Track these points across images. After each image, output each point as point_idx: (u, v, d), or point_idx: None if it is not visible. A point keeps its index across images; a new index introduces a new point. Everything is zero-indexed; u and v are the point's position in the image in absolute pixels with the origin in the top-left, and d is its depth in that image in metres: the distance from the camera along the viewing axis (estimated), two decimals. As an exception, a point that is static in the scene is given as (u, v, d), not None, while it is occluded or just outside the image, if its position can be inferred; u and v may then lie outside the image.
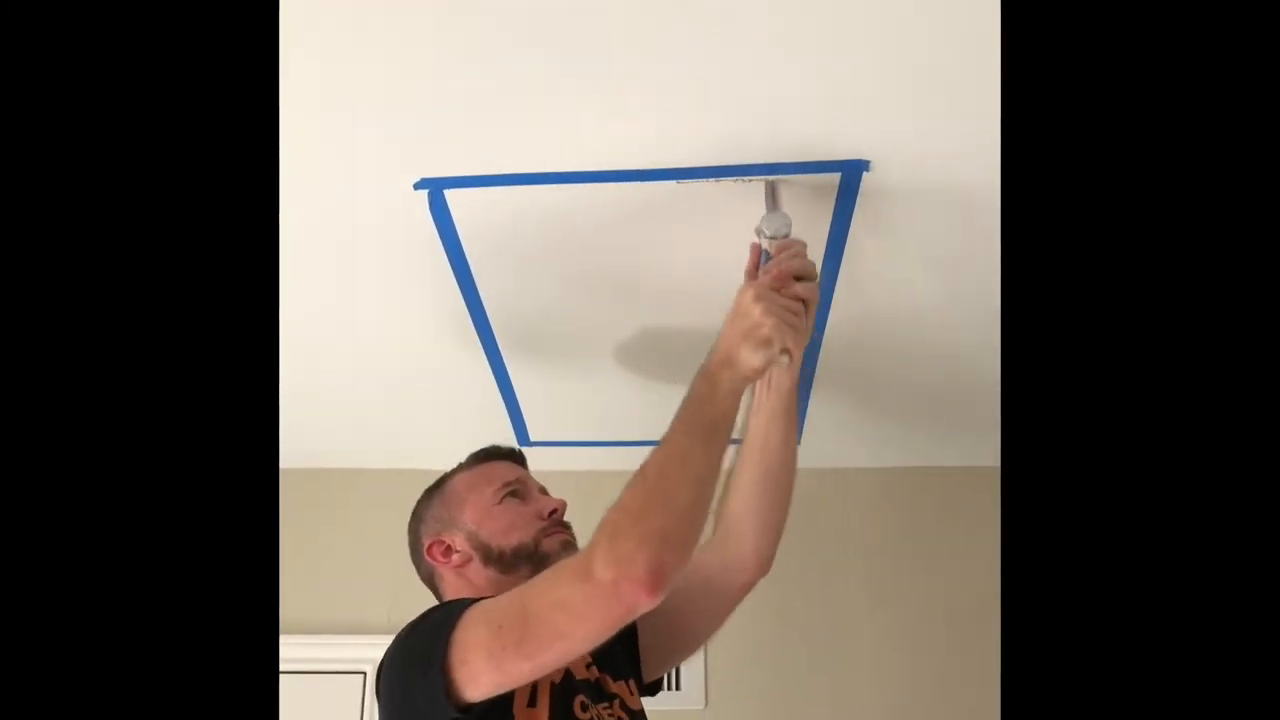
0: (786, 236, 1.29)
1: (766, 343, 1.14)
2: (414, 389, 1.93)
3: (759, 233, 1.31)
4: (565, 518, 1.38)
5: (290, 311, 1.65)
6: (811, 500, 2.28)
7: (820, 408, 2.00)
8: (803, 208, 1.39)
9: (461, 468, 1.41)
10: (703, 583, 1.37)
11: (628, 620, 1.07)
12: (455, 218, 1.42)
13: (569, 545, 1.33)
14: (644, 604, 1.04)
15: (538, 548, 1.31)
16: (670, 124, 1.27)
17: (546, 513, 1.35)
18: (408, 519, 1.42)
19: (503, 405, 1.94)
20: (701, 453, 1.11)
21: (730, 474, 1.39)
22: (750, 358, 1.14)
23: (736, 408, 1.16)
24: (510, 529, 1.32)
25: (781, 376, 1.32)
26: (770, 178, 1.35)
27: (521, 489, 1.37)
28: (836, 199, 1.39)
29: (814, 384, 1.90)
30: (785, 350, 1.16)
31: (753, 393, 1.37)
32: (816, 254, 1.50)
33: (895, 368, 1.86)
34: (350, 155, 1.32)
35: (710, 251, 1.51)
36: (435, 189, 1.36)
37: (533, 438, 2.07)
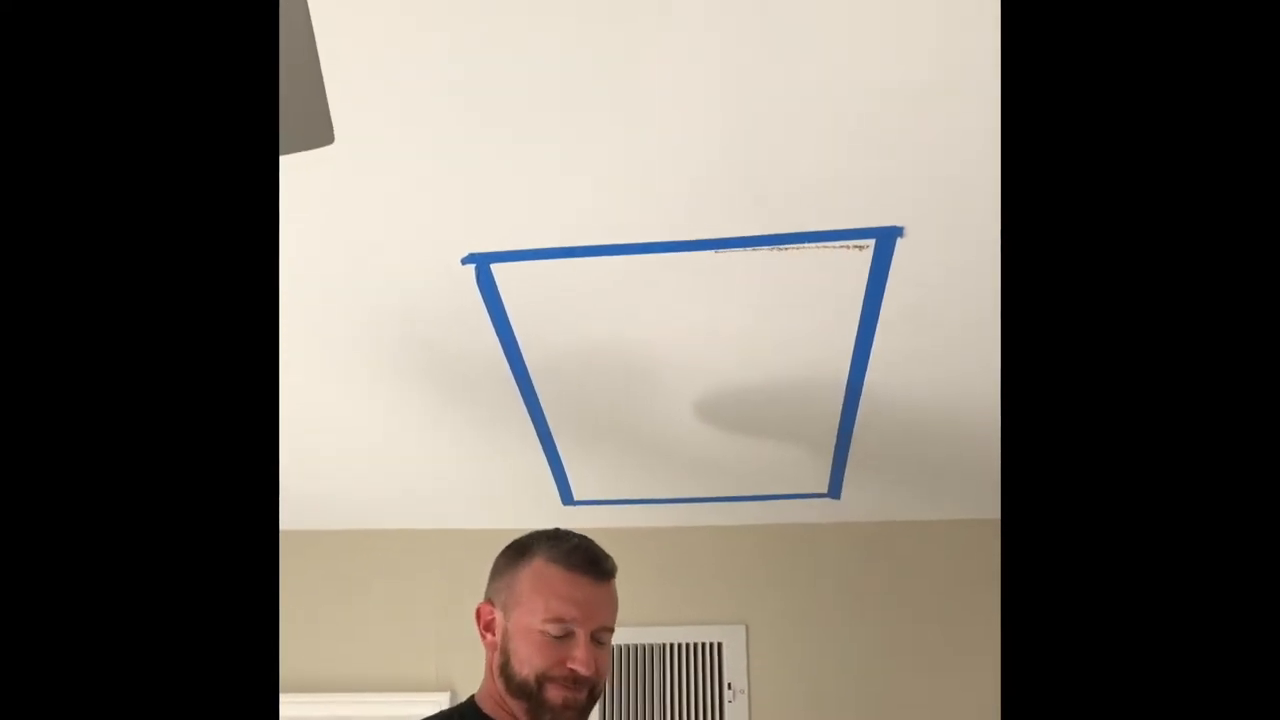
0: None
1: None
2: (462, 454, 1.97)
3: None
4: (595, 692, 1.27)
5: (342, 381, 1.71)
6: (825, 553, 2.31)
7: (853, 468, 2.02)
8: (831, 274, 1.43)
9: (549, 553, 1.29)
10: None
11: None
12: (501, 290, 1.46)
13: (569, 705, 1.24)
14: None
15: (541, 691, 1.23)
16: (708, 197, 1.32)
17: (569, 667, 1.24)
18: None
19: (548, 467, 1.97)
20: None
21: None
22: None
23: None
24: (530, 659, 1.24)
25: None
26: None
27: (570, 636, 1.25)
28: (871, 264, 1.42)
29: (852, 443, 1.92)
30: None
31: None
32: (850, 322, 1.54)
33: (917, 424, 1.88)
34: (401, 231, 1.38)
35: (748, 320, 1.54)
36: (482, 263, 1.41)
37: (576, 497, 2.10)
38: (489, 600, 1.31)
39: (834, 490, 2.13)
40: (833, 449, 1.95)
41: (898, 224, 1.36)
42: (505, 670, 1.25)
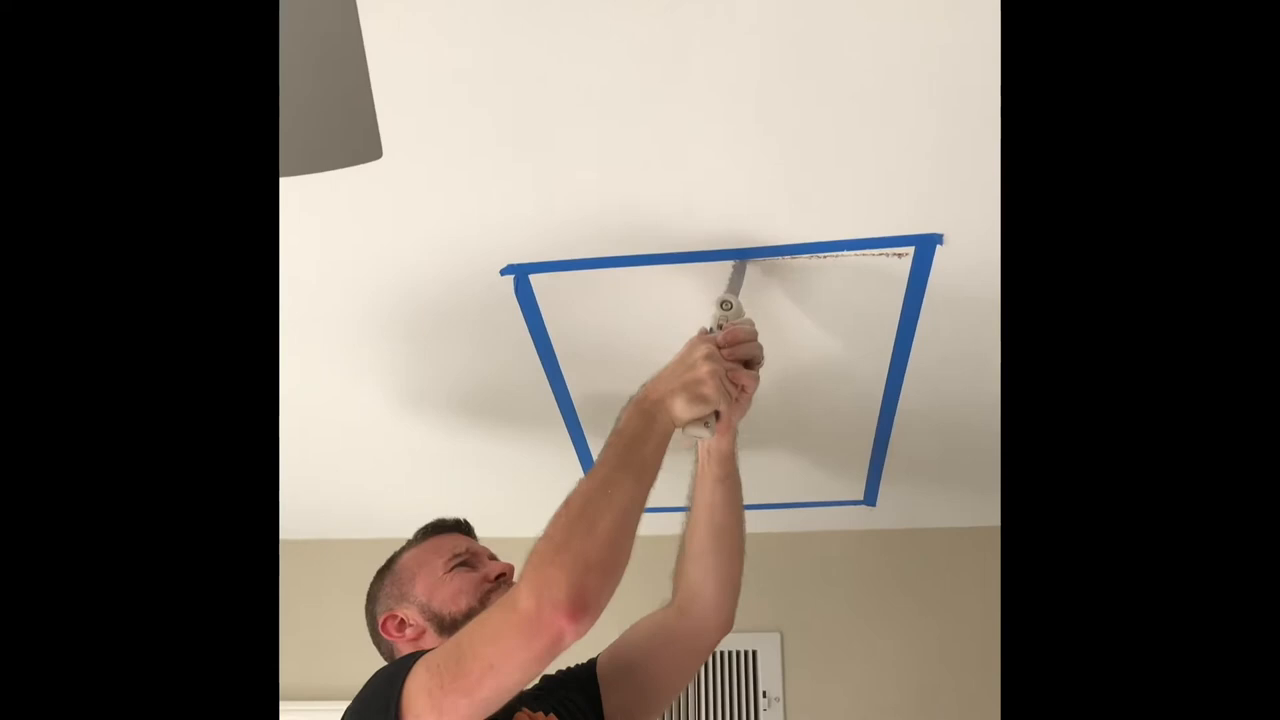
0: (740, 316, 1.33)
1: (704, 400, 1.18)
2: (491, 462, 1.97)
3: (723, 304, 1.33)
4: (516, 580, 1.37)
5: (371, 391, 1.71)
6: (861, 561, 2.30)
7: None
8: (867, 287, 1.43)
9: (410, 544, 1.42)
10: (666, 642, 1.39)
11: (555, 650, 1.04)
12: (539, 300, 1.47)
13: None
14: (568, 631, 1.02)
15: (485, 608, 1.28)
16: (746, 205, 1.32)
17: (494, 576, 1.35)
18: None
19: (582, 474, 1.97)
20: (631, 485, 1.11)
21: (682, 539, 1.42)
22: (684, 409, 1.17)
23: (665, 447, 1.17)
24: (459, 595, 1.32)
25: (720, 443, 1.34)
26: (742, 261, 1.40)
27: (471, 559, 1.37)
28: (910, 274, 1.41)
29: (888, 452, 1.91)
30: (715, 414, 1.20)
31: (695, 460, 1.40)
32: (889, 330, 1.54)
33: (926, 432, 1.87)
34: (439, 243, 1.39)
35: (785, 328, 1.54)
36: (521, 274, 1.42)
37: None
38: (387, 615, 1.35)
39: (870, 498, 2.12)
40: (869, 456, 1.94)
41: (938, 231, 1.35)
42: (444, 625, 1.30)
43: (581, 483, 1.13)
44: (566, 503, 1.11)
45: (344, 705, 1.92)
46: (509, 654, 1.04)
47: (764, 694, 2.22)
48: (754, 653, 2.24)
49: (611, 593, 1.06)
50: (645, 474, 1.14)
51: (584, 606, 1.02)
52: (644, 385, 1.21)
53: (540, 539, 1.08)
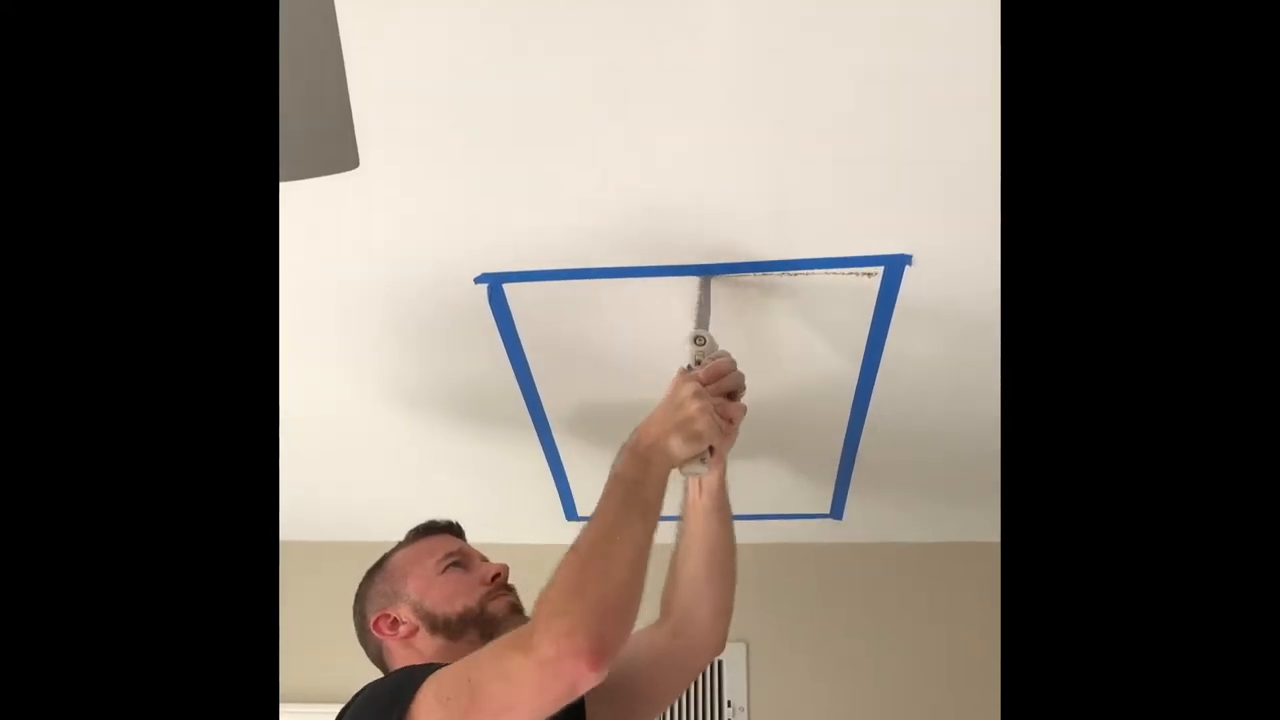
0: (714, 350, 1.33)
1: (698, 437, 1.20)
2: (467, 468, 1.98)
3: (696, 339, 1.34)
4: (510, 581, 1.39)
5: (349, 396, 1.72)
6: (827, 573, 2.31)
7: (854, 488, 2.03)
8: (835, 304, 1.45)
9: (401, 545, 1.43)
10: (657, 661, 1.40)
11: (572, 696, 1.06)
12: (512, 309, 1.48)
13: (515, 608, 1.35)
14: (587, 679, 1.04)
15: (483, 611, 1.33)
16: (720, 221, 1.33)
17: (490, 577, 1.36)
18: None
19: (553, 482, 1.99)
20: (638, 528, 1.13)
21: (673, 566, 1.43)
22: (680, 448, 1.19)
23: (665, 489, 1.20)
24: (454, 596, 1.33)
25: (710, 476, 1.35)
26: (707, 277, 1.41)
27: (463, 559, 1.39)
28: (879, 293, 1.43)
29: (855, 466, 1.93)
30: (711, 449, 1.22)
31: (685, 490, 1.41)
32: (857, 347, 1.56)
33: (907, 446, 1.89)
34: (414, 251, 1.40)
35: (755, 343, 1.56)
36: (494, 283, 1.43)
37: (580, 513, 2.11)
38: (380, 613, 1.36)
39: (836, 511, 2.14)
40: (836, 471, 1.96)
41: (906, 252, 1.37)
42: (436, 624, 1.32)
43: (587, 529, 1.14)
44: (575, 548, 1.12)
45: (323, 708, 1.90)
46: (526, 699, 1.06)
47: (729, 704, 2.24)
48: (720, 662, 2.25)
49: (628, 636, 1.08)
50: (649, 515, 1.16)
51: (604, 653, 1.04)
52: (636, 430, 1.22)
53: (551, 586, 1.09)
